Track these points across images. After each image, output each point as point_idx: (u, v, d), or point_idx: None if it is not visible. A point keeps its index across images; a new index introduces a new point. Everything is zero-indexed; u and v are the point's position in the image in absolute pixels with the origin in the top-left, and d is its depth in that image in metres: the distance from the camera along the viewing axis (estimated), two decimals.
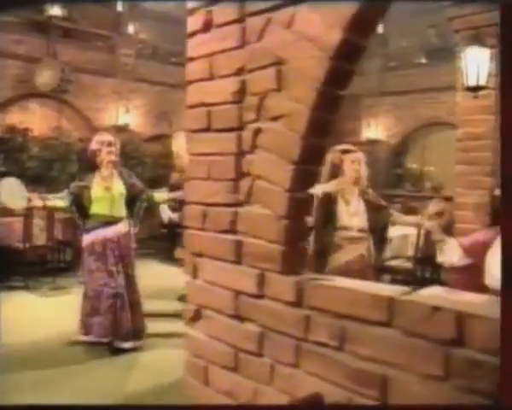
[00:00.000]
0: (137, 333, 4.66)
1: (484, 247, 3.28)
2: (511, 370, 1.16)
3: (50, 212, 6.51)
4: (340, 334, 1.74)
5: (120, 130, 8.58)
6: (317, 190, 3.96)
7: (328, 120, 1.87)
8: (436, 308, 1.51)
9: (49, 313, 5.44)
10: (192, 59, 2.26)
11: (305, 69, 1.83)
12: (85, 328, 4.60)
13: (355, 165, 4.11)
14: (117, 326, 4.51)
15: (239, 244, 2.06)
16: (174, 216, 6.09)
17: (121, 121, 8.90)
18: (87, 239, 4.61)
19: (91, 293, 4.55)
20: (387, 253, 6.14)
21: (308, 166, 1.88)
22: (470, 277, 3.35)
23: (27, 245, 6.38)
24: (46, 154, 7.93)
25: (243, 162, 2.05)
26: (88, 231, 4.62)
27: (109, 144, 4.66)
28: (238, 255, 2.07)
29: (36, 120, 8.56)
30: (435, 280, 5.80)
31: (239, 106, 2.05)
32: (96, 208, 4.61)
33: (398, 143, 10.58)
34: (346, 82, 1.85)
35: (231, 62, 2.08)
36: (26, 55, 8.29)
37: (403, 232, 6.67)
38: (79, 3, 8.14)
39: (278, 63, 1.91)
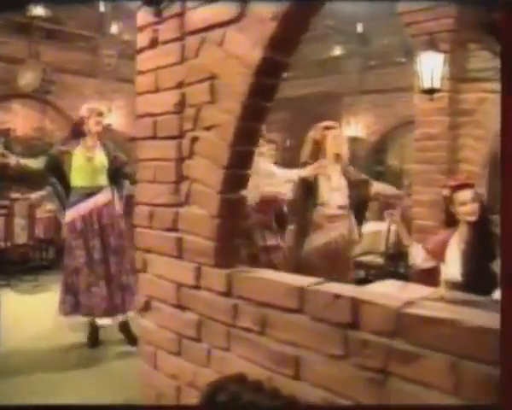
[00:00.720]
0: (114, 308, 4.43)
1: (444, 245, 3.52)
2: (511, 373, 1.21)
3: (31, 210, 6.68)
4: (262, 320, 1.96)
5: (103, 130, 8.73)
6: (294, 174, 3.95)
7: (253, 129, 2.09)
8: (336, 296, 1.73)
9: (30, 311, 5.56)
10: (141, 72, 2.48)
11: (232, 84, 2.05)
12: (64, 307, 4.44)
13: (337, 141, 4.08)
14: (92, 303, 4.38)
15: (180, 241, 2.29)
16: None
17: (104, 121, 9.02)
18: (68, 216, 4.48)
19: (70, 271, 4.44)
20: (359, 249, 6.35)
21: (237, 170, 2.10)
22: (434, 276, 3.60)
23: (8, 244, 6.51)
24: (29, 154, 8.09)
25: (183, 167, 2.27)
26: (69, 206, 4.48)
27: (99, 114, 4.57)
28: (179, 251, 2.29)
29: (19, 120, 8.74)
30: (408, 275, 6.00)
31: (179, 116, 2.27)
32: (77, 180, 4.47)
33: (377, 141, 10.81)
34: (269, 95, 2.07)
35: (173, 77, 2.30)
36: (8, 56, 8.42)
37: (375, 228, 6.82)
38: (63, 4, 8.30)
39: (211, 78, 2.13)
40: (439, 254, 3.55)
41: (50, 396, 3.45)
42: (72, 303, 4.43)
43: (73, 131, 4.67)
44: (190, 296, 2.26)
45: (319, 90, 10.45)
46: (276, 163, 4.79)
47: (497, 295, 2.96)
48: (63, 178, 4.52)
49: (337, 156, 4.08)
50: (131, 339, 4.42)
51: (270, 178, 3.83)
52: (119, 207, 4.58)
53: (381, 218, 8.18)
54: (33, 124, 8.82)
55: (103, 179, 4.57)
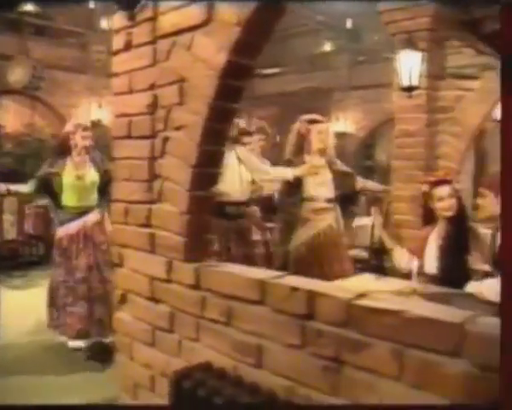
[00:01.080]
0: (90, 331, 4.26)
1: (424, 242, 3.61)
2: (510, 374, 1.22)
3: (21, 206, 6.76)
4: (228, 312, 2.06)
5: (93, 125, 8.79)
6: (288, 173, 3.92)
7: (220, 130, 2.18)
8: (294, 289, 1.83)
9: (20, 306, 5.57)
10: (116, 74, 2.56)
11: (200, 86, 2.14)
12: (48, 319, 4.42)
13: (322, 135, 4.08)
14: (66, 323, 4.25)
15: (152, 236, 2.38)
16: None
17: (94, 117, 9.10)
18: (57, 234, 4.45)
19: (53, 287, 4.40)
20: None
21: (205, 169, 2.20)
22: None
23: None
24: (19, 150, 8.19)
25: (156, 166, 2.36)
26: (60, 224, 4.45)
27: (85, 129, 4.47)
28: (152, 246, 2.39)
29: (9, 116, 8.80)
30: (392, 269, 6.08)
31: (152, 117, 2.36)
32: (67, 200, 4.43)
33: (366, 136, 10.92)
34: (235, 97, 2.16)
35: (145, 79, 2.39)
36: None
37: (360, 223, 6.91)
38: (52, 2, 8.35)
39: (181, 81, 2.22)
40: (420, 251, 3.63)
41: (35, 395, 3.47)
42: (54, 318, 4.39)
43: (60, 147, 4.58)
44: (163, 289, 2.35)
45: (309, 85, 10.53)
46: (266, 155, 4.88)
47: (469, 287, 3.05)
48: (54, 198, 4.49)
49: (322, 151, 4.09)
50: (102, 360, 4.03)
51: (264, 174, 3.87)
52: (109, 225, 4.35)
53: (368, 213, 8.30)
54: (23, 120, 8.89)
55: (94, 199, 4.50)
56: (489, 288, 2.86)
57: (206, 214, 2.29)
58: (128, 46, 2.48)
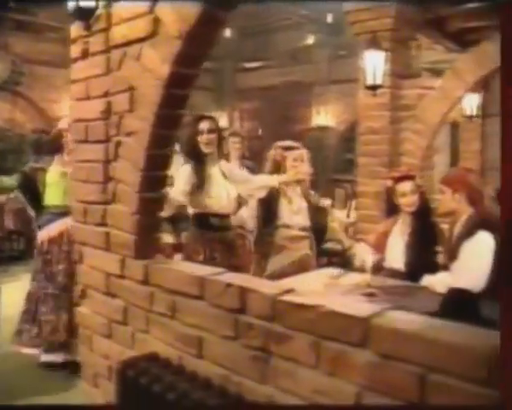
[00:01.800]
0: (64, 345, 3.87)
1: (385, 236, 3.71)
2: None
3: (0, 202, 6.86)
4: (172, 306, 2.21)
5: None
6: (274, 180, 3.85)
7: (166, 136, 2.33)
8: (228, 285, 1.98)
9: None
10: (74, 81, 2.70)
11: (147, 95, 2.28)
12: (18, 336, 4.01)
13: (297, 163, 3.95)
14: (43, 335, 3.92)
15: (108, 235, 2.53)
16: None
17: None
18: (39, 237, 4.16)
19: (30, 296, 4.07)
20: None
21: (152, 172, 2.34)
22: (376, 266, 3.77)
23: None
24: (0, 145, 8.27)
25: (110, 169, 2.50)
26: (41, 226, 4.17)
27: None
28: (107, 244, 2.53)
29: None
30: None
31: (106, 122, 2.50)
32: (49, 198, 4.19)
33: (346, 130, 11.04)
34: (179, 104, 2.30)
35: (100, 86, 2.52)
36: None
37: (335, 216, 7.05)
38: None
39: (131, 89, 2.36)
40: (381, 245, 3.71)
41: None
42: (26, 333, 3.99)
43: (52, 143, 4.30)
44: (117, 285, 2.50)
45: (290, 79, 10.64)
46: (243, 157, 4.92)
47: (423, 281, 3.16)
48: (36, 197, 4.26)
49: (298, 179, 3.97)
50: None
51: (246, 183, 3.82)
52: None
53: (344, 206, 8.46)
54: (4, 115, 8.95)
55: None
56: (440, 281, 3.01)
57: (155, 215, 2.43)
58: (85, 55, 2.61)
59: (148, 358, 2.19)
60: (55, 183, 4.13)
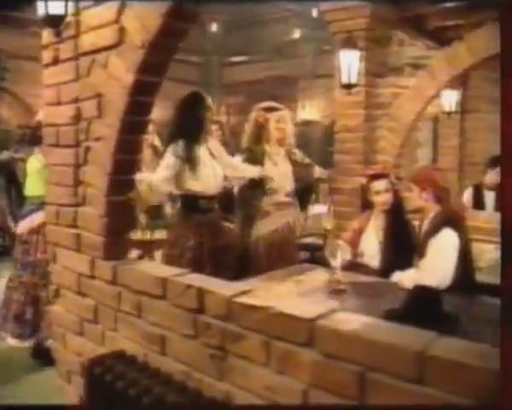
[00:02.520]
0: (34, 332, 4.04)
1: (359, 233, 3.78)
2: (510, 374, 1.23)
3: None
4: (138, 305, 2.30)
5: None
6: (255, 172, 3.88)
7: (132, 141, 2.41)
8: (188, 286, 2.07)
9: None
10: (47, 86, 2.77)
11: (114, 102, 2.36)
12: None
13: (280, 124, 3.96)
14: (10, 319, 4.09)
15: (79, 237, 2.62)
16: None
17: None
18: (19, 228, 4.26)
19: (10, 286, 4.20)
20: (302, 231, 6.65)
21: (119, 176, 2.43)
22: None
23: None
24: None
25: (80, 173, 2.59)
26: (22, 217, 4.26)
27: None
28: (78, 245, 2.62)
29: None
30: None
31: (76, 128, 2.58)
32: (30, 189, 4.23)
33: (331, 124, 11.12)
34: (144, 111, 2.39)
35: (70, 92, 2.60)
36: None
37: (317, 211, 7.03)
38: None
39: (99, 96, 2.44)
40: (355, 242, 3.77)
41: None
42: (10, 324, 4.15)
43: (32, 136, 4.36)
44: (88, 285, 2.59)
45: (275, 73, 10.71)
46: (224, 144, 4.92)
47: (394, 277, 3.25)
48: (16, 188, 4.37)
49: (281, 140, 3.99)
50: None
51: (234, 170, 3.88)
52: None
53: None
54: None
55: None
56: (408, 277, 3.10)
57: (123, 217, 2.52)
58: (55, 61, 2.68)
59: (115, 355, 2.28)
60: (36, 173, 4.13)
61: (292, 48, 10.96)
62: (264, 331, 1.81)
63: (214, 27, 11.05)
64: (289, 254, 4.10)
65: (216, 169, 3.64)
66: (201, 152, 3.58)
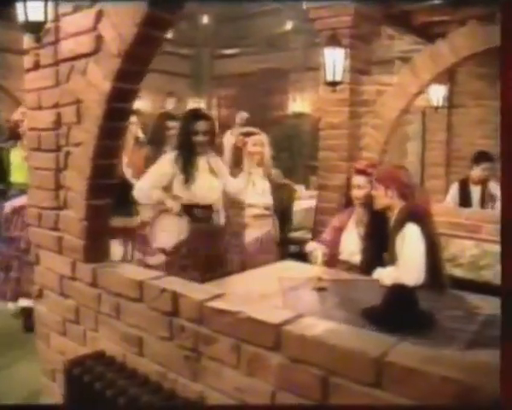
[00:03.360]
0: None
1: (340, 229, 3.83)
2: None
3: None
4: (117, 307, 2.36)
5: None
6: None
7: (110, 147, 2.46)
8: (163, 290, 2.14)
9: None
10: (28, 91, 2.81)
11: (91, 108, 2.41)
12: None
13: (257, 147, 4.34)
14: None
15: (60, 239, 2.67)
16: None
17: None
18: (4, 209, 4.61)
19: None
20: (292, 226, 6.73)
21: (98, 181, 2.48)
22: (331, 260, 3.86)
23: None
24: None
25: (60, 177, 2.64)
26: (7, 199, 4.62)
27: None
28: (60, 247, 2.68)
29: None
30: None
31: (56, 132, 2.62)
32: (15, 176, 4.60)
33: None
34: (121, 118, 2.44)
35: (51, 98, 2.64)
36: None
37: (307, 205, 7.07)
38: None
39: (78, 102, 2.49)
40: (336, 241, 3.82)
41: None
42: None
43: (11, 133, 4.77)
44: (69, 286, 2.65)
45: (267, 66, 10.73)
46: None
47: (375, 274, 3.31)
48: (1, 174, 4.67)
49: (259, 161, 4.35)
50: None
51: (231, 187, 4.08)
52: None
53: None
54: None
55: None
56: (387, 274, 3.16)
57: (103, 221, 2.57)
58: (36, 66, 2.72)
59: (95, 356, 2.35)
60: (19, 165, 4.49)
61: (283, 40, 10.96)
62: (234, 335, 1.88)
63: (205, 19, 11.04)
64: (268, 257, 4.33)
65: (212, 182, 3.79)
66: (199, 164, 3.71)
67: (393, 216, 3.21)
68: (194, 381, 2.04)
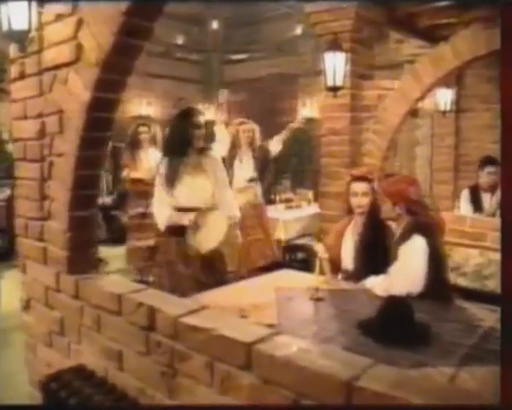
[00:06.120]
0: None
1: (340, 236, 3.76)
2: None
3: None
4: (98, 320, 2.32)
5: None
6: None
7: (92, 157, 2.42)
8: (139, 304, 2.09)
9: None
10: (14, 100, 2.79)
11: (73, 118, 2.38)
12: None
13: (246, 133, 5.76)
14: None
15: (45, 250, 2.64)
16: None
17: None
18: None
19: None
20: (296, 232, 6.71)
21: (80, 192, 2.44)
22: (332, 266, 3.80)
23: None
24: None
25: (45, 187, 2.61)
26: None
27: None
28: (45, 258, 2.65)
29: None
30: None
31: (40, 142, 2.60)
32: None
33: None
34: (103, 127, 2.40)
35: (35, 107, 2.62)
36: None
37: (311, 212, 6.98)
38: None
39: (60, 112, 2.46)
40: (336, 246, 3.75)
41: None
42: None
43: None
44: (54, 298, 2.63)
45: (276, 71, 10.68)
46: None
47: (367, 282, 3.23)
48: None
49: (249, 144, 5.80)
50: None
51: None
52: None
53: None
54: None
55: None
56: (379, 284, 3.09)
57: (86, 232, 2.54)
58: (22, 75, 2.70)
59: (74, 370, 2.31)
60: None
61: (292, 45, 10.91)
62: (207, 352, 1.83)
63: (215, 25, 11.03)
64: (260, 221, 5.83)
65: (200, 184, 3.71)
66: (187, 168, 3.62)
67: (400, 228, 3.13)
68: (170, 397, 2.00)
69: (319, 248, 3.82)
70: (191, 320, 1.90)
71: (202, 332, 1.83)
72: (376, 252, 3.45)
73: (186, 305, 2.09)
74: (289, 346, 1.70)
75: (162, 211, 3.65)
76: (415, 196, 3.17)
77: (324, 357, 1.63)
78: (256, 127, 5.87)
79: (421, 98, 4.67)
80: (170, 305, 2.07)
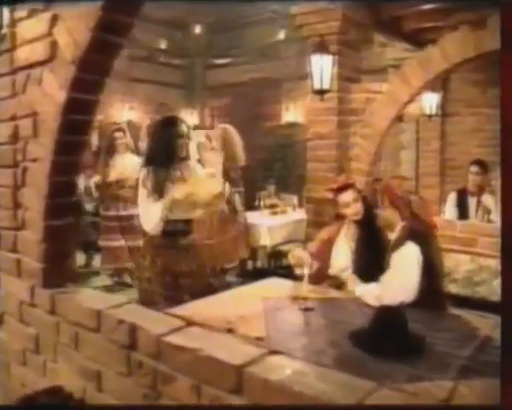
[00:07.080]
0: None
1: (329, 243, 3.64)
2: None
3: None
4: (76, 337, 2.17)
5: None
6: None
7: (68, 162, 2.26)
8: (120, 321, 1.94)
9: None
10: None
11: (47, 121, 2.22)
12: None
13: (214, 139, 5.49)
14: None
15: (19, 262, 2.48)
16: None
17: None
18: None
19: None
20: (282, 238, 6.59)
21: (56, 199, 2.28)
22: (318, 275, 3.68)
23: None
24: None
25: (18, 195, 2.44)
26: None
27: None
28: (19, 271, 2.48)
29: None
30: None
31: (13, 147, 2.43)
32: None
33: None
34: (80, 130, 2.24)
35: (8, 109, 2.45)
36: None
37: (297, 217, 6.85)
38: None
39: (34, 114, 2.30)
40: (324, 254, 3.62)
41: None
42: None
43: None
44: (29, 313, 2.46)
45: (259, 75, 10.55)
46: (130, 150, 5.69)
47: (357, 290, 3.11)
48: None
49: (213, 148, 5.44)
50: None
51: None
52: None
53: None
54: None
55: None
56: (369, 292, 2.97)
57: (63, 243, 2.37)
58: None
59: (51, 391, 2.14)
60: None
61: (276, 49, 10.80)
62: (193, 375, 1.68)
63: (198, 29, 10.88)
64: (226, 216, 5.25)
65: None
66: (173, 180, 3.47)
67: (395, 233, 3.03)
68: None
69: (303, 255, 3.67)
70: (175, 339, 1.76)
71: (188, 352, 1.69)
72: (374, 258, 3.35)
73: (170, 322, 1.94)
74: (283, 368, 1.57)
75: (151, 218, 3.48)
76: (398, 190, 3.11)
77: (321, 380, 1.50)
78: (233, 130, 5.62)
79: (410, 102, 4.57)
80: (152, 322, 1.93)
